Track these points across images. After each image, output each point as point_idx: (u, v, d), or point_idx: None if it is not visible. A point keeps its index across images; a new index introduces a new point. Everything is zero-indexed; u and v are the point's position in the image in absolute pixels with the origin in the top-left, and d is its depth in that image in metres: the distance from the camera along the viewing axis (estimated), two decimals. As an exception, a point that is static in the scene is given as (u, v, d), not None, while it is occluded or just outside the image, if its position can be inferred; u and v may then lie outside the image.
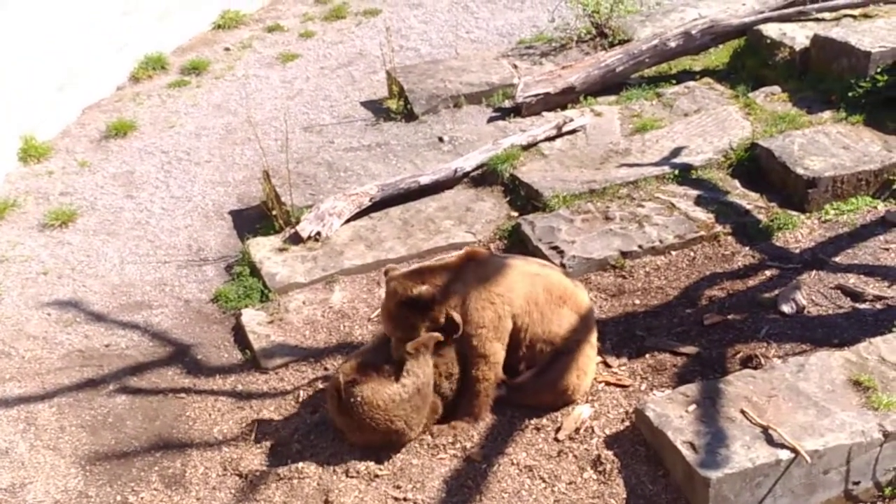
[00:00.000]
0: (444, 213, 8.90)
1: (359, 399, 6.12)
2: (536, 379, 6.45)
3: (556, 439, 6.28)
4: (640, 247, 8.06)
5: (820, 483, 5.72)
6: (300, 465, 6.28)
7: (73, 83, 11.56)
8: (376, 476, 6.13)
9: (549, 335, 6.43)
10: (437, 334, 6.25)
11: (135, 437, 6.90)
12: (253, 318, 7.89)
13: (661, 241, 8.09)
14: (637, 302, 7.58)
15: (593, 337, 6.60)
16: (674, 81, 10.91)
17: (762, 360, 6.67)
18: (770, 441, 5.67)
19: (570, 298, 6.51)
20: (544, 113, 10.44)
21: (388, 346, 6.43)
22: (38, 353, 7.85)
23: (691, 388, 6.19)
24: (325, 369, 7.25)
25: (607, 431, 6.29)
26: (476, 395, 6.41)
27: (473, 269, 6.41)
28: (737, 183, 8.79)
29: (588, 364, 6.51)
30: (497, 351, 6.38)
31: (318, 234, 8.62)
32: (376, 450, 6.31)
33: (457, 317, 6.24)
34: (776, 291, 7.44)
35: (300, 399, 6.99)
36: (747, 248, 8.04)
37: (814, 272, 7.65)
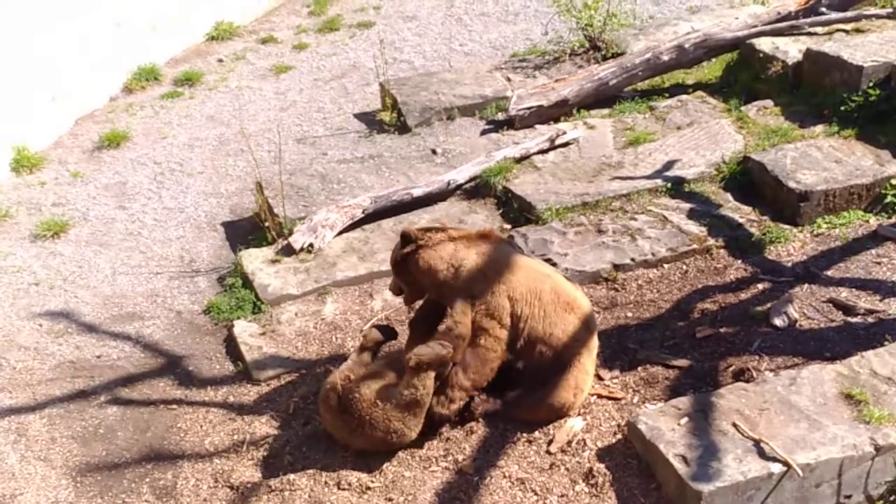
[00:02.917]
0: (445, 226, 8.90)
1: (356, 396, 6.19)
2: (531, 395, 6.43)
3: (548, 452, 6.27)
4: (632, 259, 8.07)
5: (812, 496, 5.73)
6: (292, 477, 6.27)
7: (66, 94, 11.55)
8: (368, 488, 6.12)
9: (551, 338, 6.38)
10: (444, 354, 6.16)
11: (126, 448, 6.89)
12: (245, 329, 7.88)
13: (653, 254, 8.10)
14: (629, 315, 7.58)
15: (593, 352, 6.58)
16: (667, 95, 10.93)
17: (754, 374, 6.68)
18: (762, 454, 5.69)
19: (578, 308, 6.49)
20: (537, 126, 10.44)
21: (375, 350, 6.68)
22: (29, 364, 7.83)
23: (683, 401, 6.20)
24: (318, 381, 7.23)
25: (599, 444, 6.29)
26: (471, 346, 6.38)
27: (479, 245, 6.53)
28: (729, 196, 8.81)
29: (585, 381, 6.49)
30: (493, 326, 6.33)
31: (311, 245, 8.61)
32: (372, 455, 6.32)
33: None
34: (768, 305, 7.45)
35: (292, 411, 6.97)
36: (739, 262, 8.05)
37: (806, 286, 7.66)
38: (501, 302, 6.35)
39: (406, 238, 6.62)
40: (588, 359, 6.50)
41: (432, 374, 6.19)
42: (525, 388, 6.45)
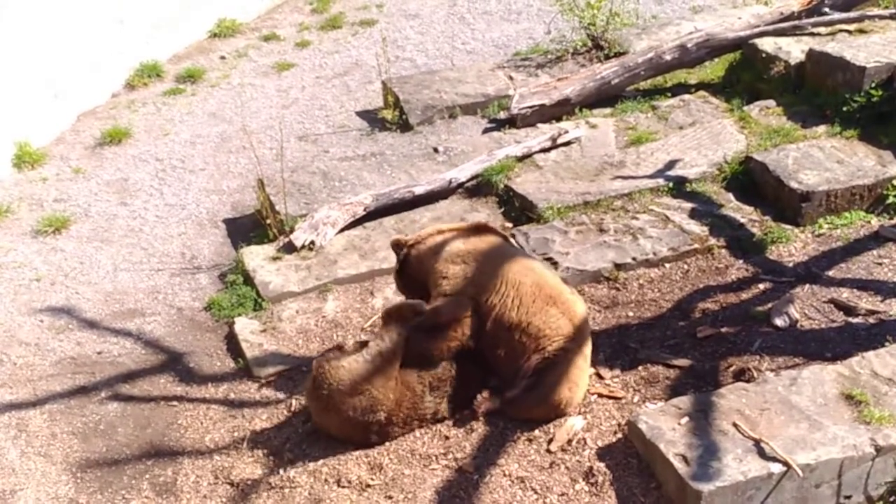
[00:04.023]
0: (439, 224, 8.90)
1: (325, 367, 6.33)
2: (528, 393, 6.41)
3: (548, 451, 6.27)
4: (633, 259, 8.06)
5: (811, 497, 5.73)
6: (292, 474, 6.28)
7: (68, 90, 11.55)
8: (368, 486, 6.12)
9: (529, 327, 6.40)
10: (415, 303, 6.56)
11: (126, 444, 6.89)
12: (246, 326, 7.88)
13: (654, 254, 8.10)
14: (630, 314, 7.58)
15: (587, 349, 6.57)
16: (669, 94, 10.92)
17: (755, 374, 6.67)
18: (762, 454, 5.69)
19: (563, 304, 6.51)
20: (539, 124, 10.43)
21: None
22: (30, 360, 7.83)
23: (684, 401, 6.20)
24: (318, 379, 7.25)
25: (600, 443, 6.29)
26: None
27: (467, 237, 6.80)
28: (731, 196, 8.80)
29: (580, 376, 6.49)
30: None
31: (312, 243, 8.61)
32: (373, 453, 6.33)
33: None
34: (769, 305, 7.45)
35: (292, 408, 6.97)
36: (741, 262, 8.05)
37: (807, 286, 7.66)
38: (468, 291, 6.54)
39: (396, 246, 7.04)
40: (579, 355, 6.48)
41: (403, 334, 6.36)
42: (522, 386, 6.43)
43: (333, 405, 6.31)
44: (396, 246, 7.09)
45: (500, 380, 6.58)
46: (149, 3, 12.75)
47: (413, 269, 6.96)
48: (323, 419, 6.50)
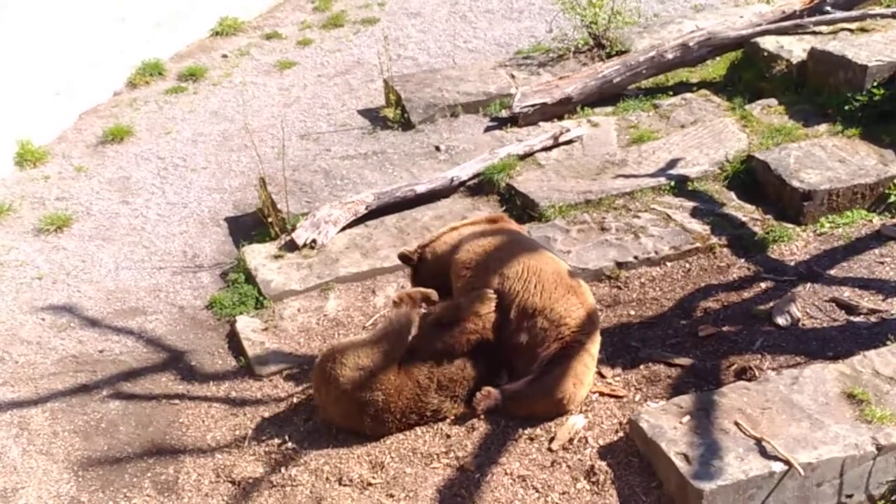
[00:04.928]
0: (440, 222, 8.88)
1: (334, 345, 6.52)
2: (531, 387, 6.41)
3: (549, 449, 6.26)
4: (635, 258, 8.07)
5: (813, 496, 5.73)
6: (293, 472, 6.28)
7: (70, 88, 11.56)
8: (369, 484, 6.12)
9: (552, 313, 6.40)
10: (425, 290, 6.76)
11: (128, 442, 6.89)
12: (247, 325, 7.89)
13: (656, 253, 8.10)
14: (632, 313, 7.58)
15: (595, 348, 6.56)
16: (671, 93, 10.92)
17: (756, 373, 6.67)
18: (764, 453, 5.69)
19: (582, 296, 6.54)
20: (541, 123, 10.44)
21: None
22: (31, 358, 7.83)
23: (685, 400, 6.19)
24: (319, 377, 7.25)
25: (601, 442, 6.28)
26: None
27: (483, 228, 6.88)
28: (733, 195, 8.80)
29: (586, 374, 6.48)
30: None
31: (314, 241, 8.61)
32: (374, 450, 6.32)
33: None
34: (771, 304, 7.45)
35: (294, 407, 6.97)
36: (742, 260, 8.05)
37: (809, 285, 7.66)
38: (491, 279, 6.53)
39: (405, 258, 7.15)
40: (588, 352, 6.48)
41: (412, 318, 6.45)
42: (525, 380, 6.43)
43: (334, 378, 6.34)
44: (405, 258, 7.14)
45: (515, 372, 6.58)
46: (150, 2, 12.77)
47: (431, 268, 6.98)
48: (322, 393, 6.52)
